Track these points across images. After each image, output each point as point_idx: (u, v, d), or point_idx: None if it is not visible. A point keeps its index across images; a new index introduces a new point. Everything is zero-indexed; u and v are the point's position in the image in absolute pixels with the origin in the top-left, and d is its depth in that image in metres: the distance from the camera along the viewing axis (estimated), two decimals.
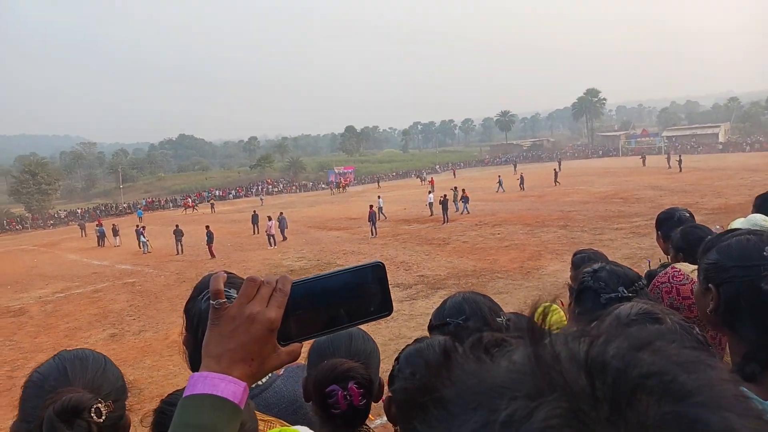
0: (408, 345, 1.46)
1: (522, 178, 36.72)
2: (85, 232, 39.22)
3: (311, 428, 1.41)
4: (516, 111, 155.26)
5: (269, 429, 1.33)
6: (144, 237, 25.42)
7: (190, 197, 62.89)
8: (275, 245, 21.74)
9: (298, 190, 74.31)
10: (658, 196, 24.71)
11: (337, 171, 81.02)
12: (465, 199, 25.88)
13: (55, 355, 1.13)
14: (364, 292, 0.77)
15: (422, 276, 13.73)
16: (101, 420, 0.99)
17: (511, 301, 10.54)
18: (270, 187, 75.34)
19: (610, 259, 2.45)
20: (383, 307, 0.77)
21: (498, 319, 1.61)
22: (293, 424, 1.41)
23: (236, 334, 0.71)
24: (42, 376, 1.06)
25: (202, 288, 1.42)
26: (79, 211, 65.21)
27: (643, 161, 49.78)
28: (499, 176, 38.98)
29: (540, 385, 0.30)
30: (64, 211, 68.13)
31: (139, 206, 60.06)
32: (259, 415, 1.37)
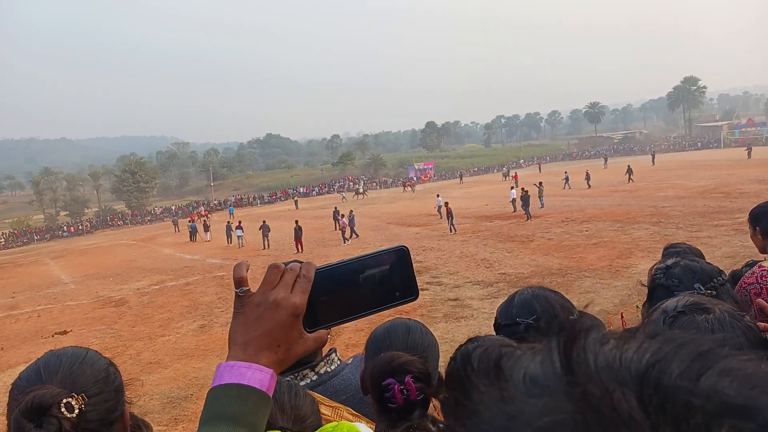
0: (462, 344, 1.35)
1: (588, 174, 34.63)
2: (178, 227, 41.67)
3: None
4: (606, 102, 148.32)
5: (337, 416, 1.34)
6: (241, 231, 26.49)
7: (203, 206, 61.29)
8: (349, 242, 22.06)
9: (378, 187, 75.07)
10: (765, 190, 22.71)
11: (416, 167, 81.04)
12: (525, 198, 23.23)
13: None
14: (389, 277, 0.76)
15: (504, 274, 13.38)
16: (74, 414, 0.95)
17: (599, 300, 10.04)
18: (351, 184, 76.58)
19: (707, 258, 2.21)
20: (409, 292, 0.76)
21: (571, 317, 1.48)
22: (359, 411, 1.41)
23: (261, 321, 0.70)
24: (19, 381, 1.05)
25: None
26: (173, 207, 69.37)
27: (749, 153, 45.89)
28: (566, 172, 37.44)
29: (591, 423, 0.26)
30: (160, 207, 72.73)
31: (229, 203, 63.02)
32: (327, 401, 1.39)
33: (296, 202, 53.34)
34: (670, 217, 18.60)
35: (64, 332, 13.25)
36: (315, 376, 1.58)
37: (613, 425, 0.25)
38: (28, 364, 1.10)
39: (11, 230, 67.89)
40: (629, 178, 33.93)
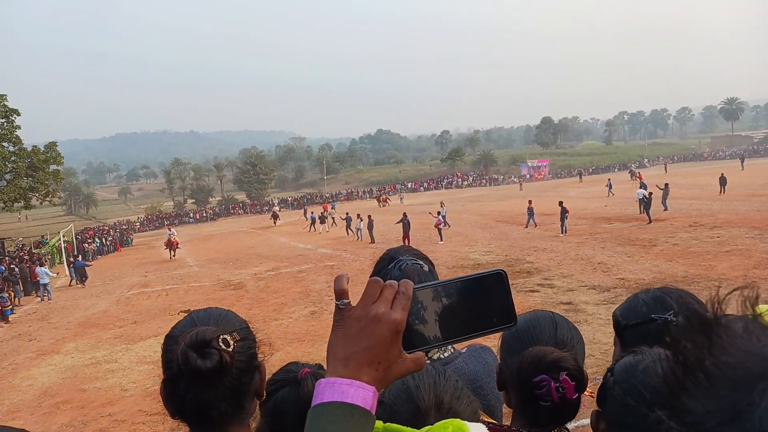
0: (623, 356, 1.17)
1: (610, 183, 31.55)
2: (307, 215, 43.55)
3: (492, 414, 1.36)
4: (746, 98, 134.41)
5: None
6: (361, 225, 26.93)
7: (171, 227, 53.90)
8: (442, 240, 21.79)
9: (488, 184, 73.80)
10: None
11: (529, 164, 78.64)
12: (530, 211, 23.12)
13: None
14: (486, 301, 0.73)
15: (622, 279, 12.52)
16: (230, 349, 1.07)
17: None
18: (460, 180, 75.90)
19: None
20: (506, 319, 0.73)
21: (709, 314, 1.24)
22: None
23: (363, 336, 0.68)
24: (175, 330, 1.17)
25: (388, 258, 1.53)
26: (289, 198, 72.64)
27: None
28: (609, 179, 34.62)
29: None
30: (277, 198, 76.49)
31: (333, 200, 65.05)
32: None
33: (377, 199, 53.84)
34: None
35: (188, 311, 14.10)
36: (428, 361, 1.49)
37: None
38: (157, 337, 1.14)
39: (146, 215, 74.96)
40: (722, 189, 29.50)
